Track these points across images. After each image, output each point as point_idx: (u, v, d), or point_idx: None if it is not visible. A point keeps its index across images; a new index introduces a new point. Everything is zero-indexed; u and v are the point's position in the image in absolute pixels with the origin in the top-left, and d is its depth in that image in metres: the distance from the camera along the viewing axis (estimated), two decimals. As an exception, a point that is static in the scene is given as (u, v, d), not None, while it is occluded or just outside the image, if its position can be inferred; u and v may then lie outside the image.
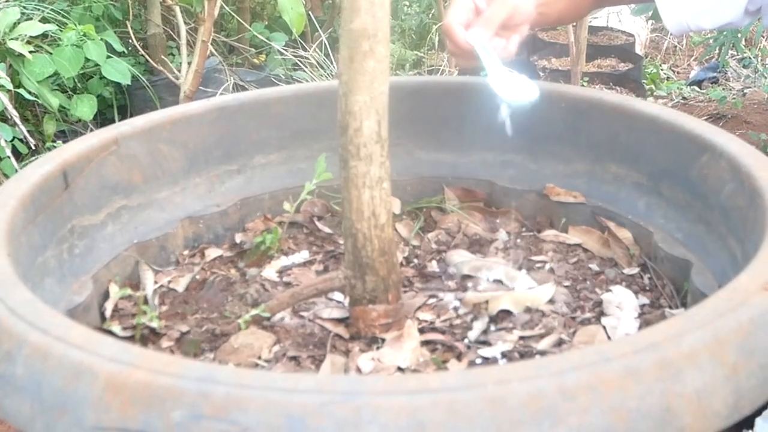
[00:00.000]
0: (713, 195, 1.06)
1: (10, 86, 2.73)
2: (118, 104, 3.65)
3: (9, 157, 2.63)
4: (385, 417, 0.59)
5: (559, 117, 1.31)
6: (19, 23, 2.84)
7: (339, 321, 1.05)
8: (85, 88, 3.47)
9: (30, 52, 2.78)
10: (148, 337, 1.05)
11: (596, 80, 4.40)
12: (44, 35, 2.99)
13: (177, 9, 2.83)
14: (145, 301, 1.12)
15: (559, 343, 1.00)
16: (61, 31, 3.01)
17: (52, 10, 3.25)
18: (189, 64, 2.64)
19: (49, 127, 3.18)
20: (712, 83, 4.86)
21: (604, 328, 1.03)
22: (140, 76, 3.48)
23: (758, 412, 1.61)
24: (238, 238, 1.29)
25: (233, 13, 4.08)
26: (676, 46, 5.76)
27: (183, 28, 2.82)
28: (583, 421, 0.60)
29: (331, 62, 3.57)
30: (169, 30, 3.80)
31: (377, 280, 0.99)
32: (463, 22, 1.27)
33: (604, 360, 0.63)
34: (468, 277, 1.16)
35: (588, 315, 1.07)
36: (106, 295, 1.13)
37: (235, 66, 4.02)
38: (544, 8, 1.35)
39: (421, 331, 1.03)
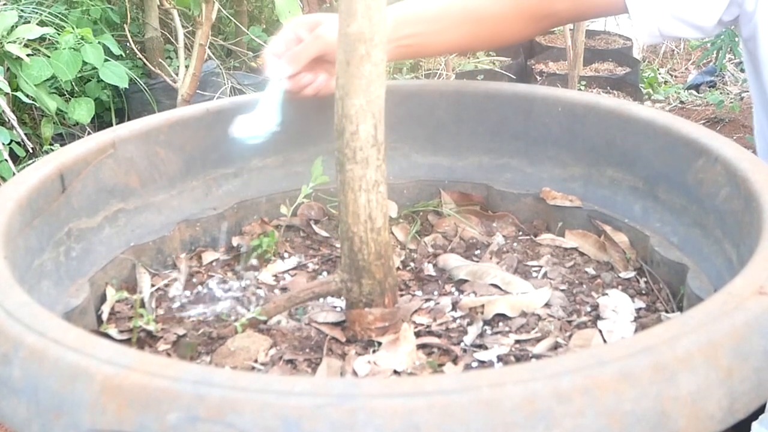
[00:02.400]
0: (709, 199, 1.07)
1: (7, 89, 2.74)
2: (115, 107, 3.66)
3: (6, 160, 2.64)
4: (381, 420, 0.59)
5: (556, 121, 1.31)
6: (16, 26, 2.85)
7: (335, 324, 1.05)
8: (83, 91, 3.47)
9: (28, 55, 2.78)
10: (145, 340, 1.05)
11: (593, 84, 4.41)
12: (42, 38, 2.99)
13: (174, 12, 2.83)
14: (142, 304, 1.12)
15: (555, 346, 1.00)
16: (58, 34, 3.02)
17: (49, 13, 3.26)
18: (186, 67, 2.64)
19: (47, 131, 3.18)
20: (709, 87, 4.87)
21: (600, 331, 1.03)
22: (138, 79, 3.49)
23: (754, 416, 1.61)
24: (235, 241, 1.29)
25: (231, 17, 4.09)
26: (673, 50, 5.77)
27: (180, 32, 2.82)
28: (578, 424, 0.60)
29: (329, 66, 3.57)
30: (166, 33, 3.81)
31: (373, 284, 0.99)
32: (278, 53, 1.28)
33: (599, 363, 0.63)
34: (464, 281, 1.16)
35: (584, 319, 1.07)
36: (102, 298, 1.13)
37: (233, 69, 4.03)
38: (409, 40, 1.34)
39: (418, 334, 1.03)
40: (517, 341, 1.01)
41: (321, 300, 1.11)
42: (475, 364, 0.97)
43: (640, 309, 1.09)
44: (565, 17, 1.48)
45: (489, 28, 1.42)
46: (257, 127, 1.22)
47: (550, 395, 0.60)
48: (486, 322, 1.06)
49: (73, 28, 3.06)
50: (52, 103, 2.91)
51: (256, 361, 0.98)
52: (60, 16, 3.33)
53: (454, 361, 0.98)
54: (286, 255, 1.27)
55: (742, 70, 4.96)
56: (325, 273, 1.22)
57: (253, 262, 1.24)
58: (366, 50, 0.90)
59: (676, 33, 1.40)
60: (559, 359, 0.64)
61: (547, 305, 1.09)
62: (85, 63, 2.98)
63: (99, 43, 3.02)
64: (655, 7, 1.36)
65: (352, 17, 0.89)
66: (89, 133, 2.87)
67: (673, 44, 5.76)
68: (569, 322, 1.06)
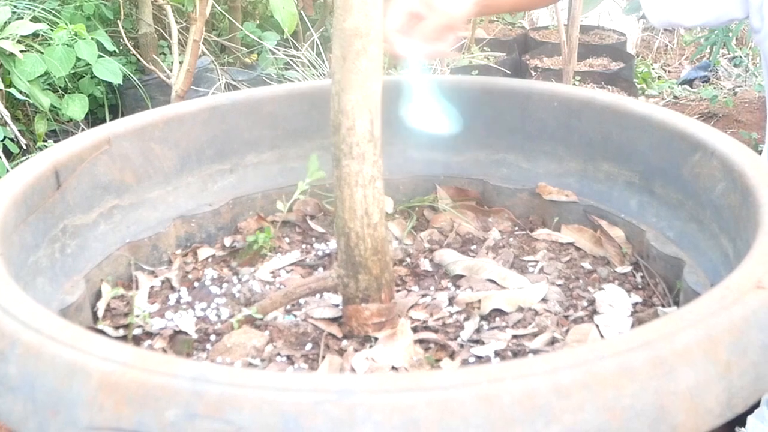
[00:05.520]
0: (705, 193, 1.07)
1: (0, 86, 2.73)
2: (109, 104, 3.65)
3: (0, 157, 2.63)
4: (379, 415, 0.59)
5: (552, 116, 1.31)
6: (9, 22, 2.83)
7: (332, 320, 1.05)
8: (77, 87, 3.46)
9: (21, 51, 2.77)
10: (141, 337, 1.05)
11: (588, 79, 4.41)
12: (35, 35, 2.98)
13: (168, 8, 2.82)
14: (137, 301, 1.12)
15: (552, 341, 1.00)
16: (52, 30, 3.01)
17: (42, 9, 3.24)
18: (180, 63, 2.64)
19: (41, 127, 3.17)
20: (703, 82, 4.87)
21: (597, 326, 1.03)
22: (132, 75, 3.48)
23: (751, 410, 1.61)
24: (231, 237, 1.29)
25: (225, 13, 4.08)
26: (667, 45, 5.78)
27: (174, 28, 2.81)
28: (578, 419, 0.60)
29: (323, 61, 3.57)
30: (160, 29, 3.80)
31: (370, 279, 0.99)
32: (399, 28, 1.26)
33: (598, 358, 0.63)
34: (460, 276, 1.16)
35: (581, 313, 1.07)
36: (98, 295, 1.13)
37: (227, 65, 4.02)
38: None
39: (414, 329, 1.03)
40: (514, 336, 1.01)
41: (317, 296, 1.10)
42: (472, 360, 0.97)
43: (636, 304, 1.09)
44: None
45: None
46: (438, 123, 1.23)
47: (549, 390, 0.60)
48: (483, 318, 1.06)
49: (66, 24, 3.05)
50: (45, 100, 2.89)
51: (253, 357, 0.98)
52: (53, 12, 3.32)
53: (451, 356, 0.98)
54: (282, 251, 1.27)
55: (736, 65, 4.97)
56: (321, 269, 1.22)
57: (249, 258, 1.23)
58: (362, 45, 0.90)
59: (686, 22, 1.44)
60: (558, 354, 0.64)
61: (544, 300, 1.09)
62: (78, 59, 2.97)
63: (92, 39, 3.01)
64: None
65: (348, 12, 0.89)
66: (83, 130, 2.86)
67: (666, 39, 5.77)
68: (566, 317, 1.06)
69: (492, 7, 1.41)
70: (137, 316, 1.07)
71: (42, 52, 2.89)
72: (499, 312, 1.07)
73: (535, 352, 0.98)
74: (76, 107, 3.11)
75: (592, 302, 1.09)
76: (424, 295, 1.12)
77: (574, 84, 3.99)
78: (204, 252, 1.26)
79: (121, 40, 3.53)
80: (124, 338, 1.04)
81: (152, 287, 1.17)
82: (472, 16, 1.34)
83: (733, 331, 0.68)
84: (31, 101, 2.96)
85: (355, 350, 0.98)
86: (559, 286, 1.13)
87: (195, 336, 1.04)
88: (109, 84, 3.39)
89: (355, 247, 0.97)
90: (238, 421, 0.59)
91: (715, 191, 1.04)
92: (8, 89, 2.83)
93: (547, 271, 1.18)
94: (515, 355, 0.98)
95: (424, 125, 1.23)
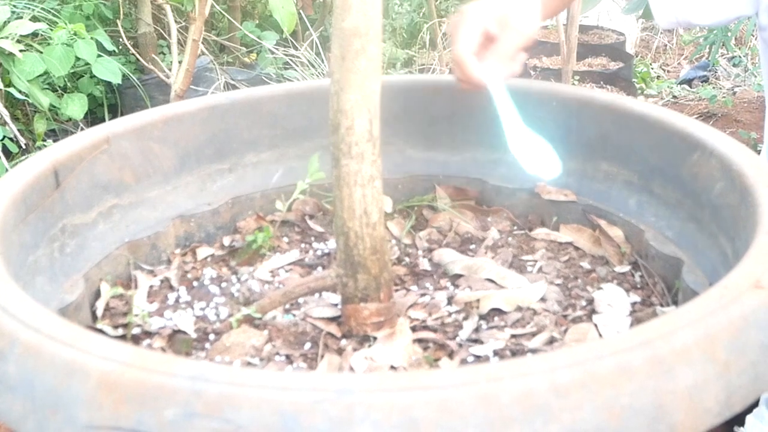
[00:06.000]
0: (704, 193, 1.07)
1: (0, 85, 2.72)
2: (108, 103, 3.65)
3: (-1, 156, 2.63)
4: (378, 414, 0.59)
5: (551, 116, 1.31)
6: (9, 22, 2.83)
7: (331, 319, 1.05)
8: (76, 87, 3.46)
9: (20, 50, 2.77)
10: (140, 336, 1.05)
11: (587, 79, 4.41)
12: (35, 34, 2.98)
13: (168, 8, 2.82)
14: (137, 300, 1.12)
15: (551, 341, 1.00)
16: (51, 29, 3.01)
17: (42, 8, 3.24)
18: (180, 62, 2.64)
19: (40, 126, 3.17)
20: (702, 82, 4.88)
21: (596, 326, 1.03)
22: (131, 75, 3.48)
23: (749, 410, 1.62)
24: (230, 236, 1.29)
25: (224, 12, 4.08)
26: (666, 45, 5.78)
27: (174, 27, 2.82)
28: (576, 419, 0.60)
29: (323, 61, 3.57)
30: (159, 29, 3.80)
31: (369, 279, 0.99)
32: (474, 50, 1.21)
33: (597, 357, 0.63)
34: (459, 275, 1.16)
35: (579, 313, 1.07)
36: (97, 294, 1.13)
37: (226, 65, 4.02)
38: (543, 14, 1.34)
39: (413, 329, 1.03)
40: (513, 336, 1.01)
41: (316, 295, 1.10)
42: (470, 359, 0.97)
43: (635, 303, 1.09)
44: None
45: None
46: (546, 163, 1.18)
47: (547, 390, 0.60)
48: (481, 317, 1.06)
49: (65, 23, 3.05)
50: (45, 99, 2.89)
51: (252, 356, 0.98)
52: (52, 11, 3.32)
53: (450, 355, 0.98)
54: (281, 250, 1.27)
55: (735, 65, 4.98)
56: (320, 268, 1.22)
57: (248, 257, 1.24)
58: (361, 45, 0.90)
59: (695, 21, 1.43)
60: (556, 353, 0.64)
61: (543, 300, 1.09)
62: (77, 59, 2.97)
63: (92, 38, 3.01)
64: None
65: (347, 12, 0.89)
66: (82, 129, 2.87)
67: (665, 39, 5.77)
68: (564, 316, 1.06)
69: (547, 14, 1.37)
70: (136, 315, 1.07)
71: (41, 52, 2.89)
72: (497, 311, 1.07)
73: (534, 351, 0.98)
74: (75, 107, 3.11)
75: (590, 302, 1.09)
76: (422, 295, 1.12)
77: (573, 84, 3.99)
78: (203, 251, 1.26)
79: (121, 40, 3.53)
80: (123, 337, 1.04)
81: (151, 286, 1.17)
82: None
83: (731, 331, 0.68)
84: (30, 101, 2.96)
85: (354, 349, 0.98)
86: (557, 285, 1.14)
87: (194, 335, 1.04)
88: (108, 83, 3.39)
89: (354, 246, 0.97)
90: (237, 420, 0.59)
91: (714, 191, 1.04)
92: (8, 89, 2.83)
93: (545, 270, 1.18)
94: (514, 354, 0.98)
95: (535, 169, 1.18)
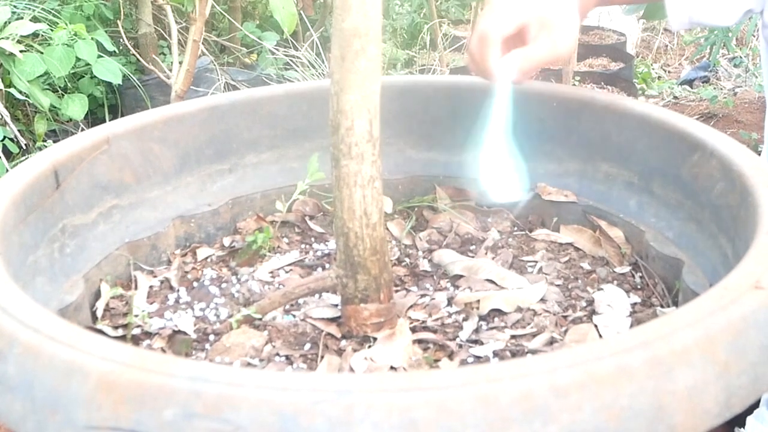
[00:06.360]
0: (704, 194, 1.07)
1: (0, 86, 2.73)
2: (109, 104, 3.65)
3: (0, 156, 2.63)
4: (378, 415, 0.59)
5: (551, 116, 1.31)
6: (9, 22, 2.83)
7: (331, 320, 1.05)
8: (76, 87, 3.46)
9: (21, 51, 2.77)
10: (140, 337, 1.05)
11: (588, 79, 4.41)
12: (35, 34, 2.98)
13: (168, 8, 2.82)
14: (136, 301, 1.12)
15: (551, 341, 1.00)
16: (51, 30, 3.01)
17: (42, 9, 3.25)
18: (180, 63, 2.64)
19: (40, 127, 3.17)
20: (703, 82, 4.88)
21: (596, 326, 1.03)
22: (131, 75, 3.48)
23: (750, 411, 1.61)
24: (230, 237, 1.29)
25: (224, 13, 4.08)
26: (667, 46, 5.78)
27: (174, 28, 2.81)
28: (575, 419, 0.60)
29: (323, 61, 3.57)
30: (160, 29, 3.80)
31: (369, 279, 0.99)
32: (505, 35, 1.10)
33: (596, 358, 0.63)
34: (459, 276, 1.16)
35: (579, 314, 1.07)
36: (97, 295, 1.13)
37: (227, 65, 4.02)
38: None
39: (413, 330, 1.03)
40: (513, 336, 1.01)
41: (316, 296, 1.10)
42: (470, 360, 0.97)
43: (635, 304, 1.09)
44: None
45: None
46: (509, 189, 1.08)
47: (547, 390, 0.60)
48: (481, 318, 1.06)
49: (66, 24, 3.05)
50: (45, 100, 2.90)
51: (252, 357, 0.98)
52: (53, 12, 3.32)
53: (450, 356, 0.98)
54: (281, 251, 1.27)
55: (736, 66, 4.97)
56: (320, 269, 1.22)
57: (248, 258, 1.24)
58: (361, 45, 0.90)
59: (706, 21, 1.42)
60: (556, 354, 0.64)
61: (543, 300, 1.09)
62: (78, 59, 2.97)
63: (92, 39, 3.01)
64: None
65: (347, 12, 0.89)
66: (83, 130, 2.86)
67: (666, 39, 5.77)
68: (565, 317, 1.06)
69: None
70: (136, 315, 1.07)
71: (42, 52, 2.90)
72: (497, 312, 1.07)
73: (534, 352, 0.98)
74: (75, 107, 3.11)
75: (590, 302, 1.09)
76: (423, 296, 1.12)
77: (574, 84, 3.99)
78: (203, 252, 1.26)
79: (121, 40, 3.53)
80: (123, 338, 1.04)
81: (151, 287, 1.17)
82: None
83: (731, 331, 0.68)
84: (30, 101, 2.96)
85: (354, 350, 0.98)
86: (558, 286, 1.13)
87: (194, 336, 1.04)
88: (108, 84, 3.39)
89: (354, 247, 0.97)
90: (236, 420, 0.59)
91: (714, 191, 1.04)
92: (8, 89, 2.83)
93: (546, 271, 1.18)
94: (514, 355, 0.98)
95: (497, 195, 1.10)
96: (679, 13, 1.41)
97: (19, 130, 2.86)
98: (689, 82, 4.91)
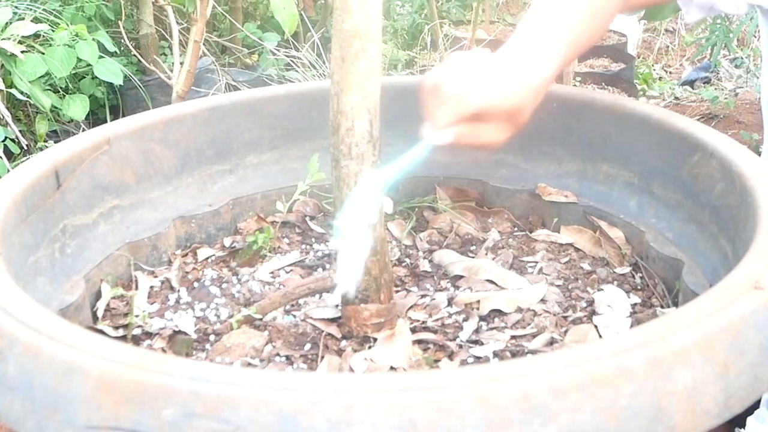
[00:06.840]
0: (704, 194, 1.07)
1: (1, 86, 2.73)
2: (110, 104, 3.65)
3: (1, 157, 2.63)
4: (377, 415, 0.59)
5: (551, 117, 1.30)
6: (10, 23, 2.83)
7: (331, 320, 1.05)
8: (77, 88, 3.46)
9: (22, 52, 2.77)
10: (140, 337, 1.05)
11: (588, 80, 4.40)
12: (36, 35, 2.98)
13: (169, 9, 2.82)
14: (137, 301, 1.12)
15: (551, 342, 1.00)
16: (53, 31, 3.01)
17: (44, 10, 3.24)
18: (181, 64, 2.64)
19: (41, 127, 3.17)
20: (704, 83, 4.87)
21: (596, 327, 1.03)
22: (132, 76, 3.47)
23: (750, 411, 1.61)
24: (230, 237, 1.29)
25: (225, 13, 4.08)
26: (668, 46, 5.78)
27: (175, 28, 2.81)
28: (575, 420, 0.60)
29: (324, 62, 3.57)
30: (161, 30, 3.80)
31: (369, 280, 0.99)
32: (463, 114, 0.95)
33: (596, 358, 0.63)
34: (460, 276, 1.16)
35: (579, 314, 1.07)
36: (98, 295, 1.13)
37: (228, 66, 4.02)
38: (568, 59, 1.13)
39: (413, 330, 1.03)
40: (513, 337, 1.01)
41: (317, 296, 1.10)
42: (470, 360, 0.97)
43: (635, 304, 1.09)
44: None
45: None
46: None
47: (546, 391, 0.60)
48: (481, 318, 1.06)
49: (67, 24, 3.05)
50: (46, 100, 2.89)
51: (252, 357, 0.98)
52: (54, 12, 3.32)
53: (450, 356, 0.98)
54: (281, 251, 1.27)
55: (737, 66, 4.97)
56: (320, 269, 1.22)
57: (249, 258, 1.24)
58: (361, 46, 0.90)
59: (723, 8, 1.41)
60: (555, 354, 0.64)
61: (543, 301, 1.09)
62: (79, 60, 2.97)
63: (93, 39, 3.00)
64: None
65: (348, 13, 0.89)
66: (84, 130, 2.86)
67: (667, 40, 5.76)
68: (565, 317, 1.06)
69: (572, 56, 1.15)
70: (137, 316, 1.07)
71: (43, 53, 2.89)
72: (498, 312, 1.07)
73: (534, 352, 0.98)
74: (77, 108, 3.11)
75: (591, 303, 1.09)
76: (423, 296, 1.12)
77: (575, 85, 3.99)
78: (204, 252, 1.26)
79: (122, 41, 3.53)
80: (123, 338, 1.04)
81: (152, 287, 1.17)
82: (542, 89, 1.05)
83: (730, 332, 0.68)
84: (32, 102, 2.96)
85: (354, 350, 0.98)
86: (558, 286, 1.14)
87: (194, 336, 1.04)
88: (110, 84, 3.38)
89: (354, 247, 0.97)
90: (235, 420, 0.59)
91: (714, 192, 1.04)
92: (9, 90, 2.83)
93: (546, 271, 1.18)
94: (514, 355, 0.98)
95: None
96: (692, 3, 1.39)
97: (20, 131, 2.86)
98: (690, 83, 4.91)
